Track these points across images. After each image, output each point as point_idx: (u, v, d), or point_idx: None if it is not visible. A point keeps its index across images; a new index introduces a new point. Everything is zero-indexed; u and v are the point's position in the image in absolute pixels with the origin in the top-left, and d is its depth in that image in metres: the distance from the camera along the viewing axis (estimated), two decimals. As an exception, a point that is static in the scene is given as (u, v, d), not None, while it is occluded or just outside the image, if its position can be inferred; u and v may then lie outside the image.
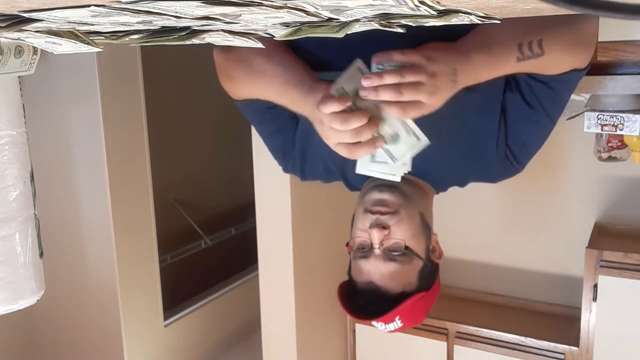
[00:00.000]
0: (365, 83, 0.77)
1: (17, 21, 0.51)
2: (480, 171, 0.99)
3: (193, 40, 0.62)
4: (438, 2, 0.46)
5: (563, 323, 2.27)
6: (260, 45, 0.69)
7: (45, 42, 0.64)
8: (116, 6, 0.44)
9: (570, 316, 2.29)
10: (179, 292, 2.75)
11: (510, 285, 2.51)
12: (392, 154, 0.83)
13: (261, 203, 2.13)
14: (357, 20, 0.55)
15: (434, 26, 0.61)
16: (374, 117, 0.80)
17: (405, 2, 0.44)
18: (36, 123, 2.12)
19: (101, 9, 0.45)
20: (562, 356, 2.10)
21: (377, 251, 0.91)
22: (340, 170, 1.05)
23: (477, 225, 2.54)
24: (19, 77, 1.09)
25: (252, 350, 2.74)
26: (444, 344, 2.28)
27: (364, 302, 0.92)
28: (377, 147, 0.81)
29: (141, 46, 2.20)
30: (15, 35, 0.62)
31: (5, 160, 1.07)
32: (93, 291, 2.29)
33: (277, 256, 2.15)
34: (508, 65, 0.82)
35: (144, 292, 2.40)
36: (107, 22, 0.52)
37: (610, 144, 1.96)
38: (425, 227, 0.96)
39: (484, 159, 0.96)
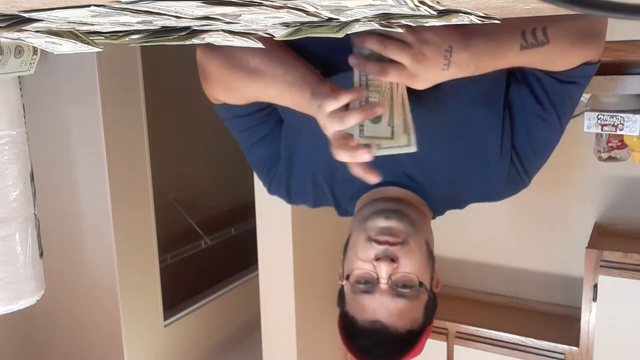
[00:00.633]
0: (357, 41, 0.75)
1: (17, 21, 0.51)
2: (482, 184, 0.93)
3: (193, 40, 0.62)
4: (438, 2, 0.46)
5: (563, 323, 2.27)
6: (260, 45, 0.69)
7: (45, 42, 0.64)
8: (116, 6, 0.44)
9: (570, 316, 2.28)
10: (179, 292, 2.75)
11: (510, 285, 2.52)
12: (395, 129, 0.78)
13: (261, 203, 2.13)
14: (357, 20, 0.55)
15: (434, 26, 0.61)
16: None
17: (405, 2, 0.44)
18: (36, 123, 2.12)
19: (101, 9, 0.45)
20: (562, 356, 2.10)
21: (383, 286, 0.82)
22: (329, 185, 0.99)
23: (477, 225, 2.54)
24: (19, 77, 1.09)
25: (252, 350, 2.73)
26: (444, 344, 2.28)
27: (371, 344, 0.84)
28: (375, 113, 0.75)
29: (141, 46, 2.20)
30: (15, 35, 0.62)
31: (5, 160, 1.07)
32: (93, 291, 2.29)
33: (277, 256, 2.15)
34: (511, 54, 0.77)
35: (144, 292, 2.39)
36: (107, 22, 0.52)
37: (610, 144, 1.96)
38: (430, 257, 0.88)
39: (486, 166, 0.90)
